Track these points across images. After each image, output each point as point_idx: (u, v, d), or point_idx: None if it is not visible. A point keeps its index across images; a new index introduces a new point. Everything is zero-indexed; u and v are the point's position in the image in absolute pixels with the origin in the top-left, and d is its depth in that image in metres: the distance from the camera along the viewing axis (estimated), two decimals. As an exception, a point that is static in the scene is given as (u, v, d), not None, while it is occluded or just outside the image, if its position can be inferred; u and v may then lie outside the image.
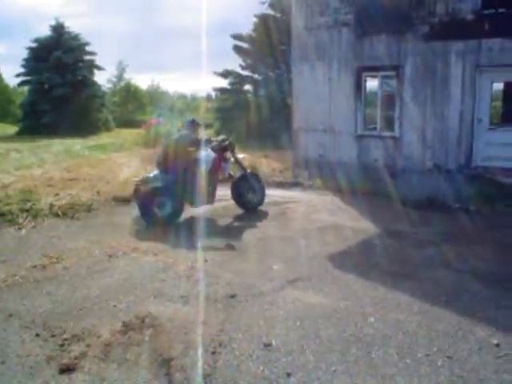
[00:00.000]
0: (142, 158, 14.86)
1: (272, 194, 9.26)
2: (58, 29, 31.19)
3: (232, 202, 8.39)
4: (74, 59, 30.49)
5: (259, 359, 3.56)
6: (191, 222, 7.73)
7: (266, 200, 8.62)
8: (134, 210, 7.78)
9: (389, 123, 10.92)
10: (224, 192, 8.45)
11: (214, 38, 74.98)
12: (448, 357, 3.56)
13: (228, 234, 7.08)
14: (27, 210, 7.95)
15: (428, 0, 9.92)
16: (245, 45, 24.24)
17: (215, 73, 24.83)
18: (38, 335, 3.95)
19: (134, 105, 41.21)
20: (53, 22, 31.26)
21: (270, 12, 22.95)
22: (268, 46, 21.46)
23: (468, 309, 4.37)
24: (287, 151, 13.82)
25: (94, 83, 32.59)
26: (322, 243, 6.48)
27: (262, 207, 8.44)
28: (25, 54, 31.25)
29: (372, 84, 11.41)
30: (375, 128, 11.25)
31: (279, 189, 10.46)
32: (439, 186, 9.75)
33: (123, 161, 14.89)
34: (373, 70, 10.95)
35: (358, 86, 11.09)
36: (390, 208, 8.58)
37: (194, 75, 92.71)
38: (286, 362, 3.51)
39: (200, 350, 3.66)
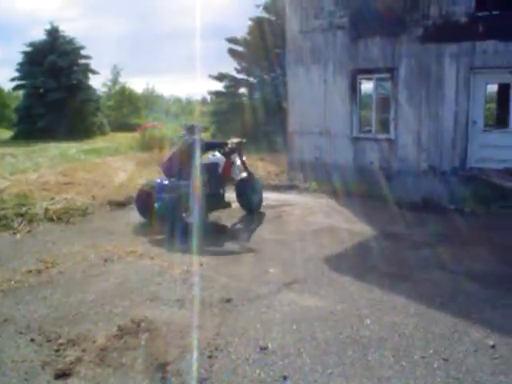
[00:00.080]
0: (137, 162, 14.86)
1: (268, 196, 9.25)
2: (53, 33, 31.06)
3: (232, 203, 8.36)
4: (68, 63, 30.36)
5: (255, 363, 3.55)
6: (186, 225, 7.70)
7: (262, 203, 8.65)
8: (132, 214, 7.78)
9: (384, 125, 10.97)
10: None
11: (209, 41, 74.89)
12: (444, 359, 3.56)
13: (224, 237, 7.09)
14: (22, 215, 7.91)
15: (422, 3, 9.98)
16: (240, 48, 24.25)
17: (210, 76, 24.81)
18: (33, 340, 3.93)
19: (128, 108, 41.03)
20: (48, 26, 31.25)
21: (265, 15, 22.99)
22: (263, 49, 21.48)
23: (463, 310, 4.37)
24: (282, 154, 13.84)
25: (89, 87, 32.45)
26: (318, 246, 6.49)
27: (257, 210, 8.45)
28: (20, 58, 31.22)
29: (367, 86, 11.47)
30: (370, 130, 11.30)
31: (275, 192, 10.46)
32: (434, 187, 9.78)
33: (118, 165, 14.85)
34: (368, 72, 10.99)
35: (353, 88, 11.12)
36: (385, 210, 8.60)
37: (189, 79, 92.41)
38: (282, 365, 3.51)
39: (196, 354, 3.65)
